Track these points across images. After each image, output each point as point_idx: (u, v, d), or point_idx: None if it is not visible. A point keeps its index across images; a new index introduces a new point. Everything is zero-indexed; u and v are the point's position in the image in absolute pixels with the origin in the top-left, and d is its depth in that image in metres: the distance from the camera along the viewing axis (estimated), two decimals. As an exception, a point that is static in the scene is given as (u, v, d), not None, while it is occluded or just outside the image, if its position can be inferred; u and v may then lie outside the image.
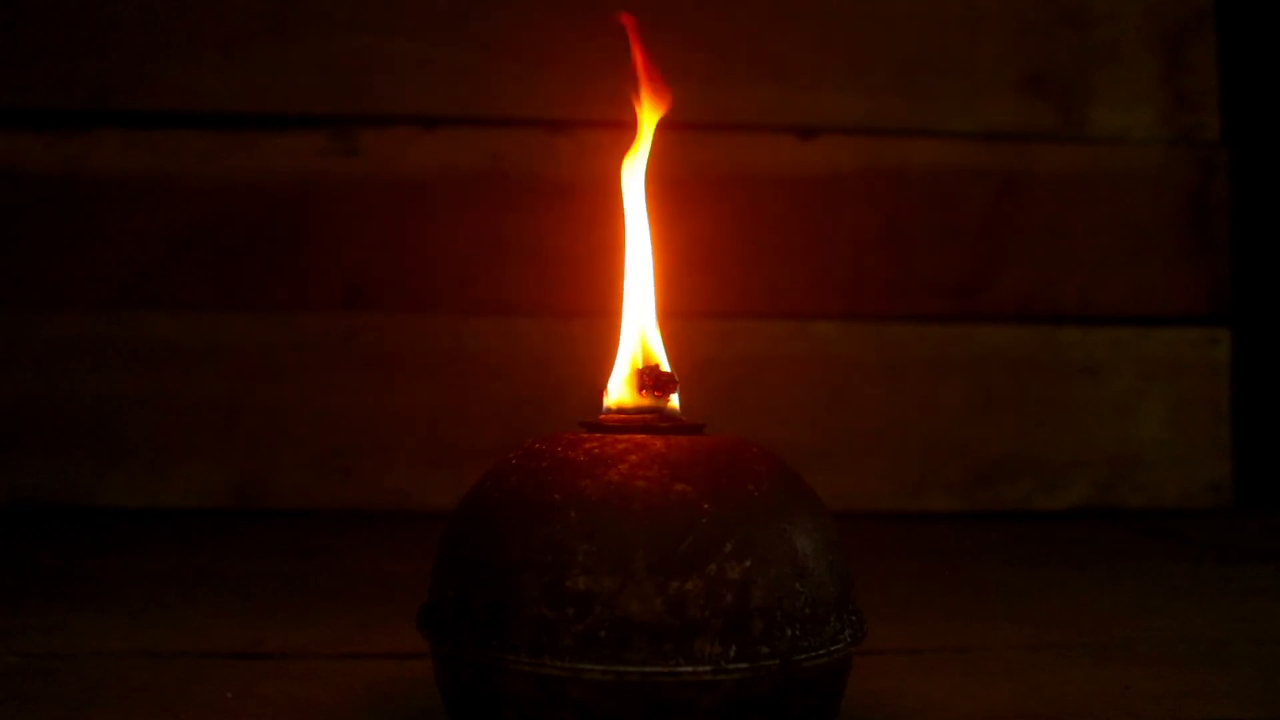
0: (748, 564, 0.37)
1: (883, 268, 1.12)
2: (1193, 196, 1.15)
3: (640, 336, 0.45)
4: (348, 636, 0.60)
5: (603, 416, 0.44)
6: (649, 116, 0.47)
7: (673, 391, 0.44)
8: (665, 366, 0.45)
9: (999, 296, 1.13)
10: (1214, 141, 1.15)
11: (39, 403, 1.04)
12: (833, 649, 0.39)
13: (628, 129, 0.47)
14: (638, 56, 0.47)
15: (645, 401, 0.44)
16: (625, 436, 0.40)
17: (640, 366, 0.45)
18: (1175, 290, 1.15)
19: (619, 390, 0.44)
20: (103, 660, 0.54)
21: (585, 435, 0.41)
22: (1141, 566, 0.87)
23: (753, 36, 1.11)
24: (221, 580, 0.75)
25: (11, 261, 1.06)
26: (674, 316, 0.48)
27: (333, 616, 0.65)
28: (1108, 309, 1.14)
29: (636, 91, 0.47)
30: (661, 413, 0.43)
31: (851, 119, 1.12)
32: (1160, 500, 1.13)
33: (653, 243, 0.46)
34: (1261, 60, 1.18)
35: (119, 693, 0.49)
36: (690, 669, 0.36)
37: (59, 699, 0.48)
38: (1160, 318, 1.14)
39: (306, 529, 0.98)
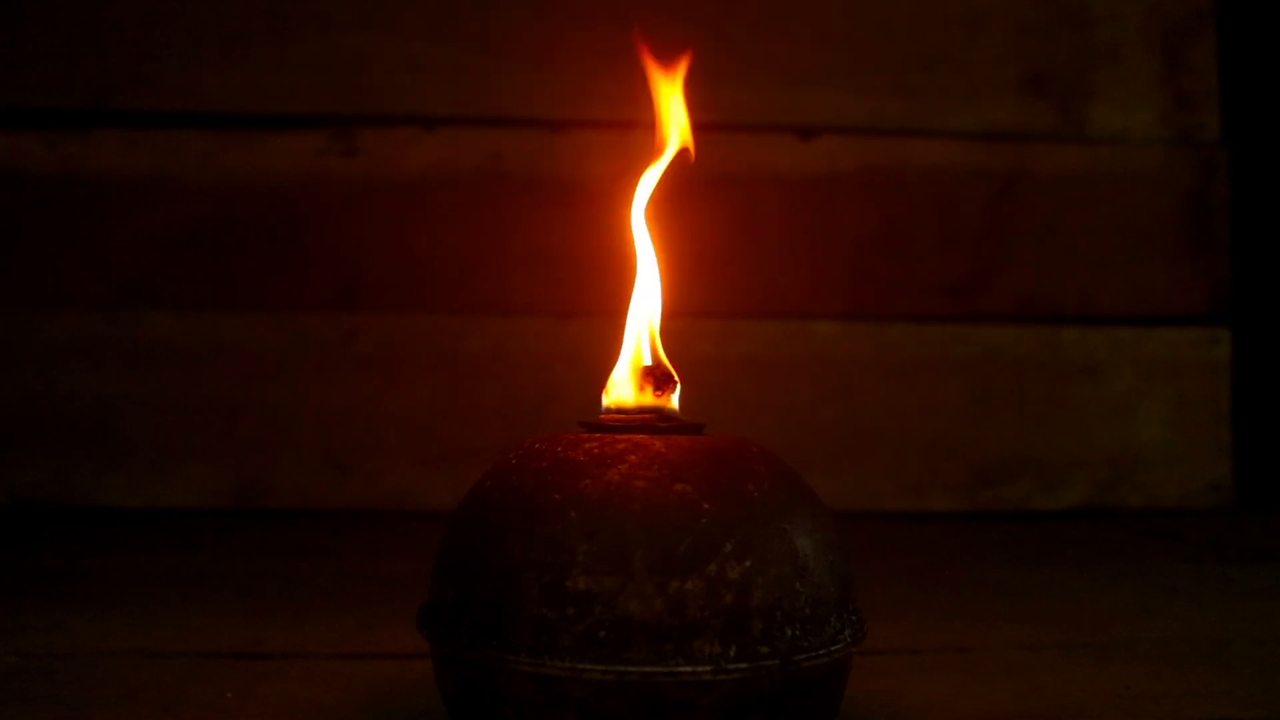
0: (748, 564, 0.37)
1: (883, 268, 1.12)
2: (1193, 196, 1.15)
3: (641, 336, 0.45)
4: (348, 636, 0.60)
5: (603, 416, 0.44)
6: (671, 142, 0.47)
7: (673, 391, 0.44)
8: (666, 365, 0.45)
9: (999, 296, 1.13)
10: (1214, 141, 1.15)
11: (39, 403, 1.04)
12: (833, 649, 0.39)
13: (635, 130, 0.47)
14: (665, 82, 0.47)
15: (645, 401, 0.44)
16: (625, 436, 0.40)
17: (641, 365, 0.44)
18: (1175, 290, 1.15)
19: (619, 390, 0.44)
20: (103, 660, 0.54)
21: (585, 435, 0.41)
22: (1141, 566, 0.87)
23: (753, 36, 1.11)
24: (221, 580, 0.75)
25: (11, 261, 1.06)
26: (674, 316, 0.48)
27: (333, 616, 0.65)
28: (1108, 309, 1.14)
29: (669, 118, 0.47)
30: (661, 413, 0.43)
31: (851, 119, 1.12)
32: (1160, 500, 1.13)
33: (658, 245, 0.46)
34: (1261, 60, 1.18)
35: (119, 693, 0.49)
36: (690, 669, 0.36)
37: (59, 699, 0.48)
38: (1160, 318, 1.14)
39: (306, 529, 0.98)
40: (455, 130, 1.09)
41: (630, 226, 0.46)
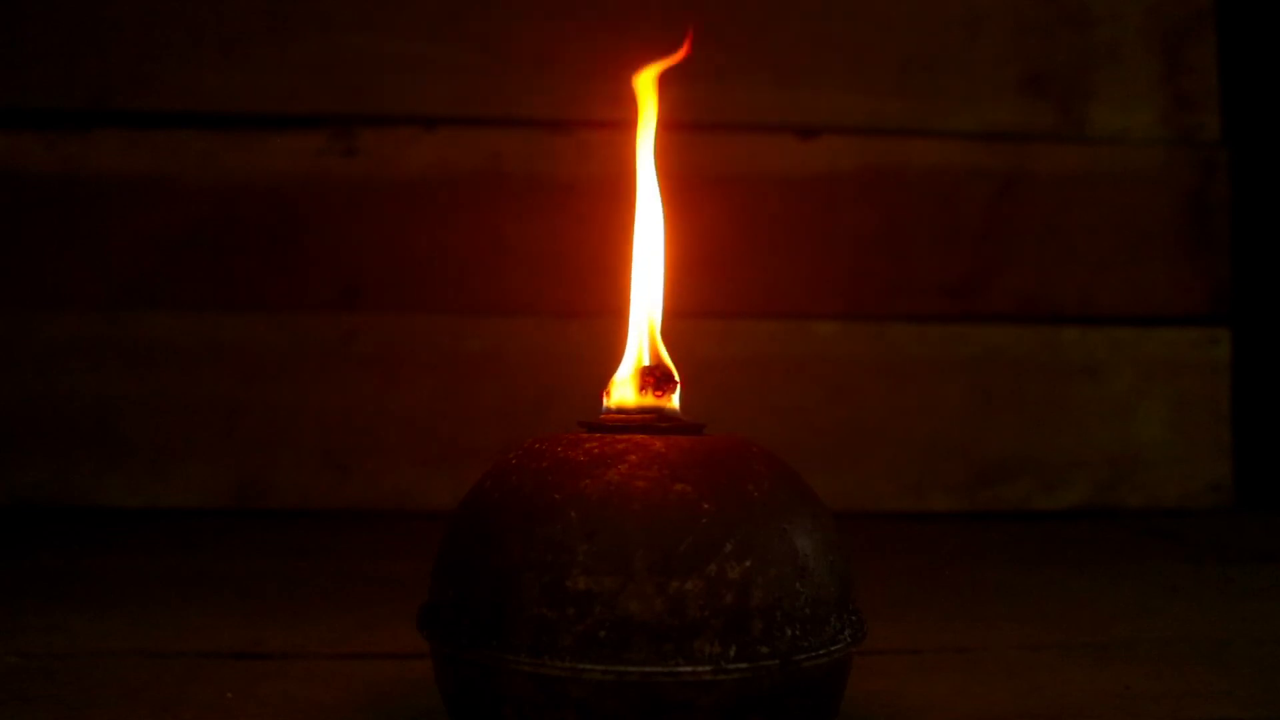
0: (748, 564, 0.37)
1: (883, 268, 1.12)
2: (1193, 196, 1.15)
3: (642, 335, 0.45)
4: (348, 636, 0.60)
5: (603, 416, 0.44)
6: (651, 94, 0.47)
7: (673, 391, 0.44)
8: (667, 365, 0.45)
9: (999, 296, 1.13)
10: (1214, 141, 1.15)
11: (39, 403, 1.04)
12: (833, 649, 0.39)
13: (635, 130, 0.47)
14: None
15: (645, 401, 0.44)
16: (625, 436, 0.40)
17: (642, 365, 0.44)
18: (1175, 290, 1.15)
19: (620, 389, 0.44)
20: (103, 660, 0.54)
21: (585, 435, 0.41)
22: (1141, 566, 0.87)
23: (753, 36, 1.11)
24: (221, 580, 0.75)
25: (11, 261, 1.06)
26: (674, 316, 0.48)
27: (333, 616, 0.65)
28: (1108, 309, 1.14)
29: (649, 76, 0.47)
30: (661, 413, 0.43)
31: (851, 119, 1.12)
32: (1160, 500, 1.13)
33: (664, 241, 0.46)
34: (1261, 60, 1.18)
35: (119, 693, 0.49)
36: (690, 669, 0.36)
37: (59, 699, 0.48)
38: (1160, 318, 1.14)
39: (306, 529, 0.98)
40: (455, 130, 1.09)
41: (634, 218, 0.46)
